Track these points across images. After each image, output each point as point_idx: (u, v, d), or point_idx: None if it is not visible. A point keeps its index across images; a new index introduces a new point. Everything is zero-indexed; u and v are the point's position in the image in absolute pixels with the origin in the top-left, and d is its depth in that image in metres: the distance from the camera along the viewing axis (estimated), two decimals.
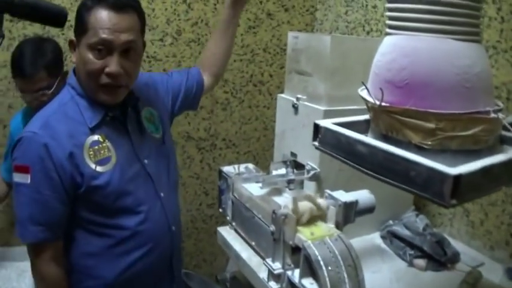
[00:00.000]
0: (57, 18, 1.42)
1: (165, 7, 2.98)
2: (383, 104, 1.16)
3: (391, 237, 2.23)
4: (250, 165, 2.14)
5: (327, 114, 1.96)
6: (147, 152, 1.85)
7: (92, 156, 1.68)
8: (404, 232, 2.19)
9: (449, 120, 1.11)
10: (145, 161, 1.83)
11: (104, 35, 1.61)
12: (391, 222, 2.31)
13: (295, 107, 2.12)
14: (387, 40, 1.25)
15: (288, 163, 1.96)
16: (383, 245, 2.24)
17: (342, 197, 1.66)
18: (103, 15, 1.62)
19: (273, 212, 1.63)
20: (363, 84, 1.29)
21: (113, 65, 1.65)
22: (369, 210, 1.76)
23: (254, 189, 1.90)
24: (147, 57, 2.98)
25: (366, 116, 1.39)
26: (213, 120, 3.33)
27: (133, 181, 1.77)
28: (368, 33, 2.84)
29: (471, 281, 1.94)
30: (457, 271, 2.06)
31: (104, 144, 1.71)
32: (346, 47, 1.99)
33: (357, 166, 1.19)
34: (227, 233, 2.09)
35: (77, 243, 1.75)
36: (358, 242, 2.17)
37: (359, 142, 1.19)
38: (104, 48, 1.63)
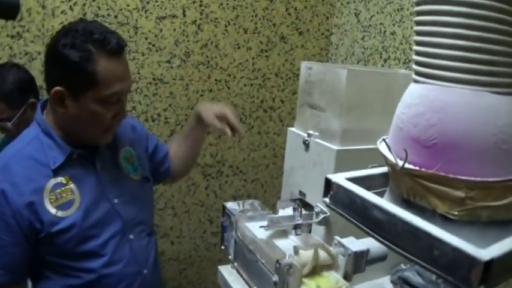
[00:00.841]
0: (8, 9, 1.30)
1: (173, 27, 2.88)
2: (406, 166, 1.01)
3: (402, 283, 2.09)
4: (256, 202, 2.00)
5: (340, 154, 1.82)
6: (119, 192, 1.76)
7: (52, 200, 1.59)
8: (417, 279, 2.05)
9: (482, 188, 0.95)
10: (115, 201, 1.73)
11: (119, 87, 1.57)
12: (402, 266, 2.17)
13: (306, 144, 1.98)
14: (414, 89, 1.09)
15: (297, 205, 1.82)
16: None
17: (353, 246, 1.54)
18: (113, 66, 1.54)
19: (277, 261, 1.50)
20: (384, 140, 1.14)
21: (124, 111, 1.65)
22: (381, 259, 1.63)
23: (258, 229, 1.77)
24: (154, 79, 2.88)
25: (384, 169, 1.24)
26: (220, 146, 3.23)
27: (99, 223, 1.68)
28: (385, 61, 2.72)
29: None
30: None
31: (68, 187, 1.62)
32: (363, 81, 1.85)
33: (372, 233, 1.04)
34: (228, 273, 1.96)
35: (45, 280, 1.68)
36: (366, 287, 2.06)
37: (376, 207, 1.04)
38: (116, 98, 1.58)
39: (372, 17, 2.88)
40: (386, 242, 1.00)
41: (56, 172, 1.60)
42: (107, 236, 1.68)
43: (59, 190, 1.59)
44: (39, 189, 1.57)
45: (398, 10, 2.65)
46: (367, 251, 1.55)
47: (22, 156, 1.60)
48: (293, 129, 2.13)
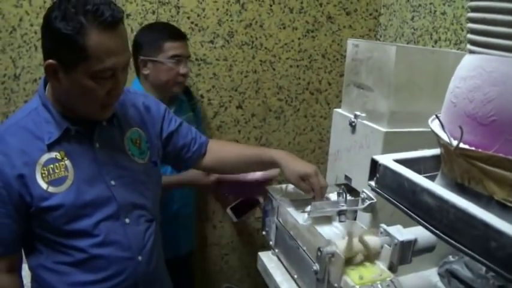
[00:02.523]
0: None
1: (216, 7, 2.81)
2: (461, 146, 0.90)
3: (449, 276, 1.99)
4: None
5: (388, 137, 1.71)
6: (118, 174, 1.69)
7: (44, 175, 1.55)
8: (465, 273, 1.94)
9: None
10: (112, 182, 1.66)
11: (111, 63, 1.47)
12: (451, 258, 2.06)
13: (353, 125, 1.88)
14: (469, 60, 0.98)
15: (341, 190, 1.73)
16: (440, 284, 1.99)
17: (399, 235, 1.45)
18: (105, 40, 1.45)
19: (319, 249, 1.44)
20: (436, 117, 1.03)
21: (119, 87, 1.56)
22: (429, 249, 1.54)
23: (301, 215, 1.72)
24: (196, 59, 2.82)
25: (436, 151, 1.13)
26: (265, 129, 3.15)
27: (91, 203, 1.62)
28: (436, 42, 2.60)
29: None
30: None
31: (62, 163, 1.58)
32: (413, 59, 1.74)
33: (421, 221, 0.94)
34: (268, 259, 1.93)
35: (37, 254, 1.66)
36: (412, 279, 1.96)
37: (427, 192, 0.93)
38: (109, 73, 1.50)
39: None
40: (437, 231, 0.90)
41: (51, 147, 1.56)
42: (99, 217, 1.63)
43: (52, 165, 1.56)
44: (31, 162, 1.54)
45: None
46: (415, 240, 1.46)
47: (18, 127, 1.57)
48: (339, 110, 2.04)
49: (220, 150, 2.04)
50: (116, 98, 1.60)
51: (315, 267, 1.47)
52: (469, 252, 0.83)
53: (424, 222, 0.94)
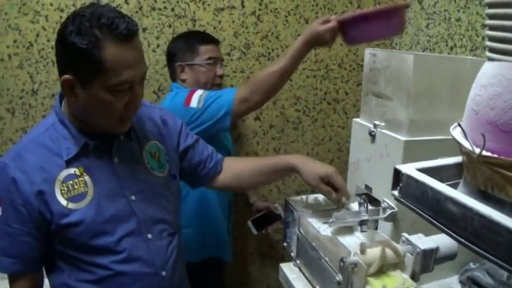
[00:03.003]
0: None
1: (232, 19, 2.82)
2: (484, 153, 0.90)
3: (471, 283, 1.98)
4: (320, 197, 1.96)
5: (409, 146, 1.72)
6: (138, 188, 1.68)
7: (64, 192, 1.53)
8: (486, 280, 1.93)
9: None
10: (132, 197, 1.65)
11: (128, 75, 1.46)
12: (472, 265, 2.05)
13: (372, 135, 1.88)
14: (489, 68, 0.97)
15: (362, 200, 1.73)
16: None
17: (421, 243, 1.45)
18: (121, 52, 1.44)
19: (341, 259, 1.43)
20: (458, 125, 1.03)
21: (137, 100, 1.55)
22: (450, 257, 1.54)
23: (322, 225, 1.72)
24: None
25: (458, 159, 1.13)
26: (283, 140, 3.15)
27: (113, 219, 1.60)
28: (451, 49, 2.59)
29: None
30: None
31: (81, 179, 1.56)
32: (431, 67, 1.74)
33: (446, 229, 0.94)
34: (290, 270, 1.92)
35: (59, 272, 1.63)
36: (434, 287, 1.95)
37: (450, 200, 0.93)
38: (126, 86, 1.49)
39: (435, 3, 2.75)
40: (461, 239, 0.90)
41: (69, 163, 1.55)
42: (121, 233, 1.61)
43: (71, 181, 1.54)
44: (50, 179, 1.52)
45: None
46: (437, 249, 1.46)
47: (36, 144, 1.56)
48: (358, 120, 2.04)
49: (235, 165, 2.03)
50: (134, 111, 1.59)
51: (337, 278, 1.46)
52: (494, 259, 0.83)
53: (448, 231, 0.93)
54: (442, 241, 1.48)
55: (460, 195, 0.93)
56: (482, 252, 0.85)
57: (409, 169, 1.09)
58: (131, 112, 1.57)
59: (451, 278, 2.08)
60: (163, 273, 1.70)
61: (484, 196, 0.94)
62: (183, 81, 2.46)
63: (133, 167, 1.68)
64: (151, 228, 1.69)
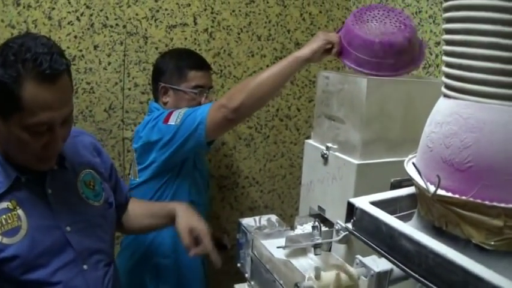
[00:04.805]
0: None
1: (184, 36, 2.80)
2: (438, 191, 0.90)
3: None
4: (273, 217, 1.93)
5: (361, 169, 1.72)
6: (73, 219, 1.64)
7: None
8: None
9: None
10: (68, 228, 1.61)
11: (46, 117, 1.40)
12: None
13: (325, 157, 1.88)
14: (445, 105, 0.98)
15: (315, 223, 1.73)
16: None
17: (375, 265, 1.41)
18: (41, 93, 1.37)
19: (296, 285, 1.41)
20: (414, 165, 1.03)
21: (56, 141, 1.48)
22: (405, 278, 1.52)
23: (275, 247, 1.68)
24: None
25: (411, 190, 1.14)
26: (235, 157, 3.14)
27: (47, 252, 1.56)
28: None
29: None
30: None
31: (14, 212, 1.50)
32: (384, 90, 1.75)
33: (400, 265, 0.94)
34: None
35: None
36: None
37: (404, 237, 0.93)
38: (44, 128, 1.43)
39: None
40: (416, 276, 0.90)
41: (1, 197, 1.49)
42: (56, 266, 1.57)
43: (4, 216, 1.48)
44: None
45: (416, 13, 2.55)
46: (391, 270, 1.45)
47: None
48: (310, 141, 2.04)
49: (132, 206, 2.04)
50: (54, 152, 1.53)
51: None
52: None
53: (403, 267, 0.93)
54: None
55: (414, 231, 0.93)
56: None
57: (363, 203, 1.09)
58: (50, 153, 1.51)
59: None
60: None
61: (438, 232, 0.95)
62: (164, 103, 2.39)
63: (68, 197, 1.65)
64: (88, 259, 1.65)
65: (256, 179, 3.24)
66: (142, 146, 2.25)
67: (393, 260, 0.96)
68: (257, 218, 1.93)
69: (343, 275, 1.44)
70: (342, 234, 1.70)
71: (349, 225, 1.12)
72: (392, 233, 0.96)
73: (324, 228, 1.76)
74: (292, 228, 1.87)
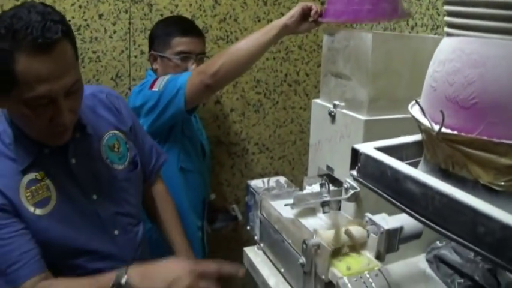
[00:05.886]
0: None
1: (189, 3, 2.77)
2: (443, 130, 0.88)
3: (438, 262, 1.97)
4: (282, 179, 1.92)
5: (369, 125, 1.69)
6: (99, 186, 1.63)
7: (29, 198, 1.46)
8: (453, 257, 1.93)
9: None
10: (94, 197, 1.61)
11: (44, 89, 1.32)
12: (438, 243, 2.05)
13: (332, 115, 1.86)
14: (447, 43, 0.95)
15: (323, 181, 1.71)
16: (429, 270, 1.98)
17: (385, 223, 1.43)
18: (34, 64, 1.29)
19: (304, 241, 1.42)
20: (416, 102, 1.01)
21: (61, 116, 1.40)
22: (415, 236, 1.52)
23: (285, 208, 1.68)
24: None
25: (418, 137, 1.11)
26: (244, 124, 3.13)
27: (78, 221, 1.56)
28: (412, 28, 2.58)
29: None
30: None
31: (43, 183, 1.49)
32: (390, 46, 1.72)
33: (406, 209, 0.92)
34: (254, 254, 1.89)
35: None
36: (400, 266, 1.95)
37: (410, 179, 0.91)
38: (45, 101, 1.36)
39: None
40: (423, 219, 0.88)
41: (28, 169, 1.48)
42: (89, 235, 1.58)
43: (34, 187, 1.47)
44: (14, 186, 1.45)
45: None
46: (401, 228, 1.44)
47: None
48: (318, 100, 2.02)
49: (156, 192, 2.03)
50: (64, 126, 1.45)
51: (301, 260, 1.44)
52: (457, 238, 0.81)
53: (409, 210, 0.91)
54: (406, 220, 1.46)
55: (419, 173, 0.91)
56: (445, 231, 0.84)
57: (367, 148, 1.07)
58: (60, 128, 1.45)
59: (418, 257, 2.07)
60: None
61: (444, 174, 0.93)
62: (155, 70, 2.40)
63: (92, 165, 1.63)
64: (117, 224, 1.66)
65: (266, 145, 3.23)
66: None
67: (399, 204, 0.94)
68: (266, 179, 1.92)
69: (352, 232, 1.43)
70: (351, 192, 1.69)
71: (354, 173, 1.10)
72: (398, 176, 0.94)
73: (332, 188, 1.75)
74: (301, 189, 1.85)
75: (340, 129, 1.83)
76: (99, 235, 1.61)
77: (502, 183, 0.85)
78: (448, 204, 0.83)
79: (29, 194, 1.46)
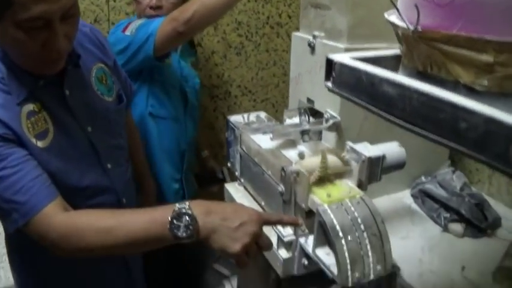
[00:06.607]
0: None
1: None
2: (419, 28, 0.84)
3: (423, 196, 1.97)
4: (262, 114, 1.91)
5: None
6: (93, 118, 1.59)
7: (30, 129, 1.40)
8: (439, 191, 1.93)
9: None
10: (89, 129, 1.56)
11: (39, 10, 1.24)
12: (423, 178, 2.05)
13: (312, 46, 1.82)
14: None
15: (303, 111, 1.68)
16: (414, 206, 1.98)
17: (366, 151, 1.40)
18: None
19: (282, 169, 1.39)
20: (392, 3, 0.96)
21: (56, 41, 1.32)
22: (398, 166, 1.49)
23: (264, 141, 1.66)
24: None
25: (396, 51, 1.08)
26: (226, 66, 3.10)
27: (73, 155, 1.51)
28: None
29: None
30: (498, 239, 1.80)
31: (40, 115, 1.44)
32: None
33: (383, 114, 0.88)
34: (235, 190, 1.89)
35: None
36: (385, 201, 1.95)
37: (386, 81, 0.87)
38: (40, 23, 1.28)
39: None
40: (401, 122, 0.85)
41: (24, 102, 1.42)
42: (83, 169, 1.54)
43: (33, 118, 1.42)
44: (15, 117, 1.40)
45: None
46: (383, 157, 1.42)
47: None
48: (297, 33, 1.99)
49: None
50: (57, 53, 1.37)
51: (280, 189, 1.42)
52: (437, 138, 0.78)
53: (386, 115, 0.88)
54: (388, 149, 1.45)
55: (395, 75, 0.88)
56: (424, 132, 0.81)
57: (343, 57, 1.03)
58: (53, 54, 1.37)
59: (403, 192, 2.08)
60: (124, 200, 1.67)
61: (423, 78, 0.89)
62: (134, 13, 2.35)
63: (85, 96, 1.58)
64: (110, 156, 1.64)
65: (248, 88, 3.21)
66: None
67: (376, 109, 0.91)
68: (246, 114, 1.90)
69: (332, 159, 1.40)
70: (331, 121, 1.66)
71: (329, 84, 1.06)
72: (373, 81, 0.91)
73: (313, 120, 1.73)
74: (282, 123, 1.83)
75: (319, 60, 1.80)
76: (93, 169, 1.58)
77: (485, 83, 0.81)
78: (426, 103, 0.79)
79: (29, 125, 1.41)
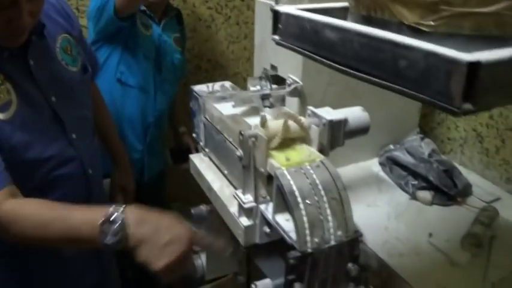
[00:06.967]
0: None
1: None
2: None
3: (391, 164, 1.95)
4: (227, 83, 1.86)
5: None
6: (58, 88, 1.56)
7: None
8: (407, 158, 1.91)
9: None
10: (53, 99, 1.53)
11: None
12: (391, 146, 2.03)
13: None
14: None
15: (264, 75, 1.65)
16: (381, 173, 1.96)
17: (328, 115, 1.35)
18: None
19: (240, 133, 1.34)
20: None
21: (20, 18, 1.31)
22: (362, 131, 1.44)
23: (227, 109, 1.63)
24: None
25: (345, 3, 1.04)
26: (196, 40, 3.05)
27: (38, 125, 1.49)
28: None
29: (486, 220, 1.66)
30: (468, 206, 1.79)
31: (3, 87, 1.40)
32: None
33: (325, 61, 0.85)
34: (200, 160, 1.84)
35: None
36: (352, 169, 1.93)
37: (327, 26, 0.84)
38: (7, 1, 1.27)
39: None
40: (344, 68, 0.81)
41: None
42: (47, 140, 1.51)
43: None
44: None
45: None
46: (345, 120, 1.38)
47: None
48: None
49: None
50: (21, 29, 1.39)
51: (238, 153, 1.38)
52: (377, 80, 0.75)
53: (329, 62, 0.84)
54: (351, 113, 1.40)
55: (337, 20, 0.84)
56: (365, 76, 0.77)
57: (288, 9, 1.00)
58: (17, 30, 1.38)
59: (371, 160, 2.06)
60: (90, 171, 1.65)
61: (367, 21, 0.85)
62: None
63: (50, 67, 1.56)
64: (75, 127, 1.61)
65: (219, 62, 3.16)
66: None
67: (319, 58, 0.87)
68: (210, 84, 1.86)
69: (292, 124, 1.37)
70: (293, 86, 1.63)
71: (276, 37, 1.03)
72: (317, 28, 0.87)
73: (275, 86, 1.70)
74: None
75: None
76: (58, 140, 1.55)
77: (431, 23, 0.77)
78: (366, 44, 0.76)
79: None
